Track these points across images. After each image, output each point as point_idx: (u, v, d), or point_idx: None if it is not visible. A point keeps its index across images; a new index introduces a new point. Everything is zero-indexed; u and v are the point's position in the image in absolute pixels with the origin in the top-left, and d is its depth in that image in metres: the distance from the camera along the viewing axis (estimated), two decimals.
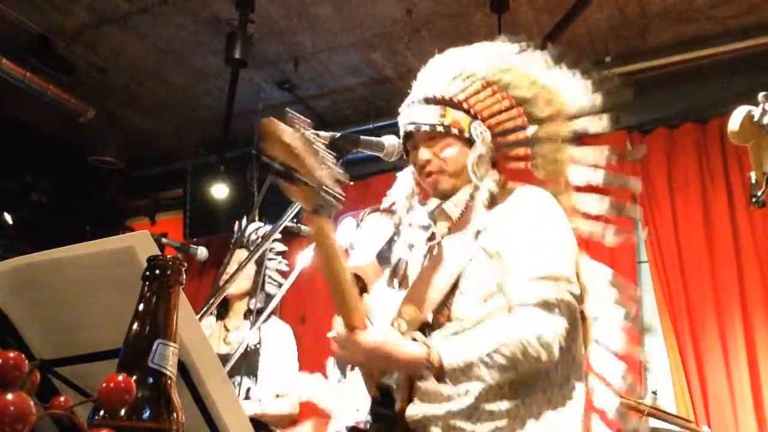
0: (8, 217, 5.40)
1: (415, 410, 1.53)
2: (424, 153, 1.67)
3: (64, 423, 0.79)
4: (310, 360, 3.23)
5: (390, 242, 2.47)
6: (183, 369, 0.80)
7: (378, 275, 2.47)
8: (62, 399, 0.70)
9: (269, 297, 3.13)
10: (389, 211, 2.22)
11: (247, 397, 2.95)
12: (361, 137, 1.64)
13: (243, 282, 3.13)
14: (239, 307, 3.23)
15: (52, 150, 5.39)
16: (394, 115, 1.82)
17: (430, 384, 1.51)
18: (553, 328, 1.42)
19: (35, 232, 5.38)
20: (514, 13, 3.96)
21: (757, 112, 1.31)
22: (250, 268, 3.13)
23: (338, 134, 1.61)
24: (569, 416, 1.49)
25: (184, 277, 0.77)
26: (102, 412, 0.67)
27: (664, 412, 2.96)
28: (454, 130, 1.64)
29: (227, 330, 3.19)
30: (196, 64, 4.70)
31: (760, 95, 1.30)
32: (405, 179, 1.77)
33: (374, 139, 1.67)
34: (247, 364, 2.83)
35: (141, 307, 0.74)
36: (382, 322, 1.46)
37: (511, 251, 1.51)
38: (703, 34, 4.05)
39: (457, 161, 1.64)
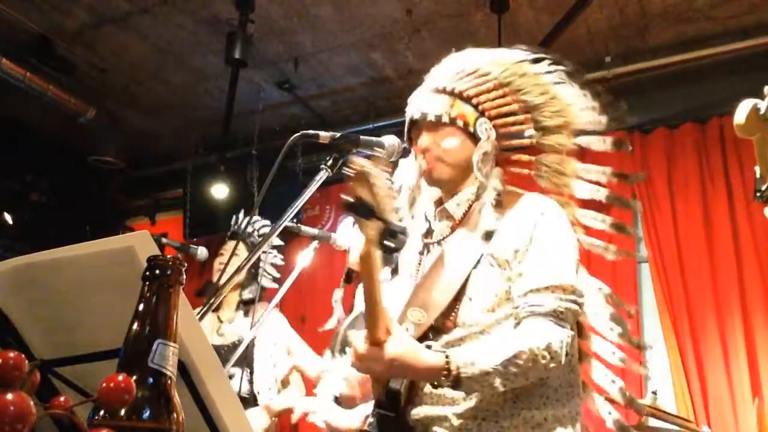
0: (8, 217, 5.40)
1: (418, 411, 1.54)
2: (424, 139, 1.67)
3: (64, 423, 0.79)
4: None
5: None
6: (183, 369, 0.80)
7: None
8: (62, 399, 0.70)
9: (262, 290, 3.15)
10: None
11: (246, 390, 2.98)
12: (361, 137, 1.64)
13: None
14: (232, 299, 3.25)
15: (52, 150, 5.39)
16: (394, 115, 1.83)
17: (432, 388, 1.52)
18: (561, 337, 1.44)
19: (35, 232, 5.38)
20: (514, 13, 3.96)
21: (763, 105, 1.30)
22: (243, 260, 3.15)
23: (338, 134, 1.61)
24: (566, 416, 1.51)
25: (184, 277, 0.77)
26: (102, 412, 0.67)
27: (664, 412, 2.96)
28: (459, 122, 1.65)
29: (220, 322, 3.21)
30: (196, 64, 4.70)
31: (766, 88, 1.30)
32: (408, 168, 1.76)
33: (374, 139, 1.67)
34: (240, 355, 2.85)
35: (141, 307, 0.74)
36: (394, 323, 1.47)
37: (520, 259, 1.52)
38: (703, 34, 4.05)
39: (457, 153, 1.65)
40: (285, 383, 3.15)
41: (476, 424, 1.48)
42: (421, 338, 1.52)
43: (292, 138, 1.58)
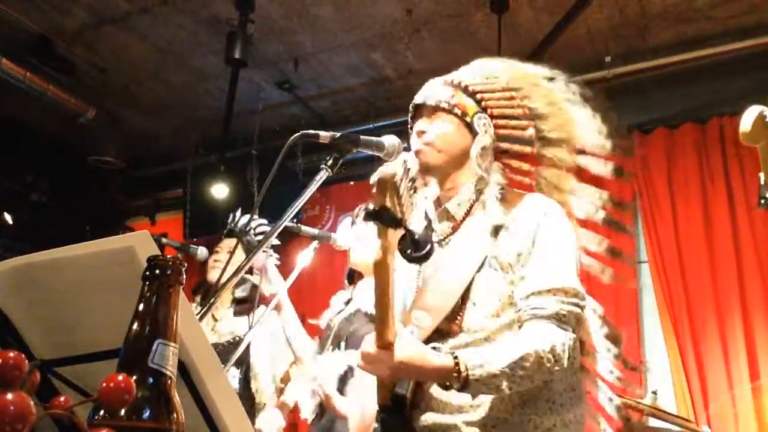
0: (8, 217, 5.40)
1: (426, 418, 1.54)
2: (421, 123, 1.68)
3: (64, 423, 0.79)
4: None
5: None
6: (183, 369, 0.80)
7: None
8: (62, 399, 0.70)
9: (254, 287, 3.14)
10: None
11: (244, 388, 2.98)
12: (361, 137, 1.64)
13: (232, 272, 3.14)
14: (226, 297, 3.24)
15: (52, 150, 5.39)
16: (394, 115, 1.83)
17: (440, 392, 1.52)
18: (564, 340, 1.44)
19: (35, 232, 5.38)
20: (514, 13, 3.96)
21: None
22: (239, 258, 3.14)
23: (338, 134, 1.61)
24: (572, 422, 1.51)
25: (184, 277, 0.77)
26: (102, 412, 0.67)
27: (664, 412, 2.96)
28: (457, 111, 1.65)
29: (215, 320, 3.20)
30: (196, 64, 4.71)
31: None
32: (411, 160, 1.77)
33: (374, 138, 1.67)
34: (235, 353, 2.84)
35: (141, 307, 0.74)
36: (400, 328, 1.47)
37: (523, 262, 1.52)
38: (703, 34, 4.05)
39: (449, 138, 1.65)
40: (285, 380, 3.14)
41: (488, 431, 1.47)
42: (426, 341, 1.52)
43: (292, 138, 1.58)
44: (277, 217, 1.55)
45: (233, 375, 2.98)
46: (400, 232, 1.37)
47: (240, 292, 3.27)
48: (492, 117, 1.66)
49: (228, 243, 3.29)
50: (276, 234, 1.58)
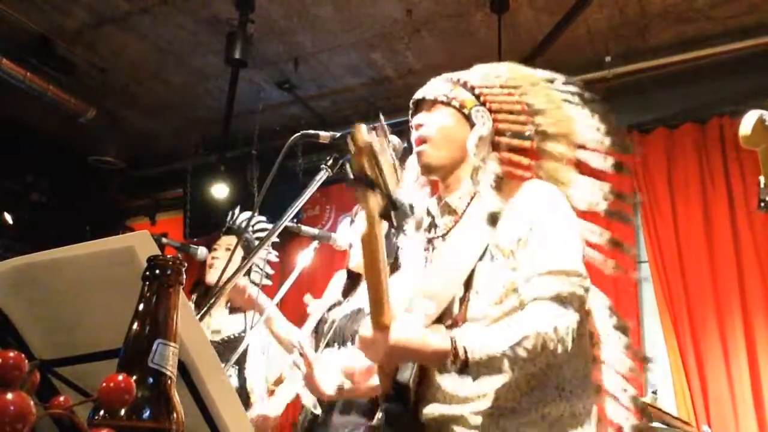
0: (8, 217, 5.40)
1: (432, 410, 1.54)
2: (419, 117, 1.69)
3: (64, 423, 0.79)
4: None
5: (388, 237, 2.46)
6: (183, 369, 0.80)
7: None
8: (62, 399, 0.70)
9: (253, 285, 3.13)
10: None
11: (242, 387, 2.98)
12: None
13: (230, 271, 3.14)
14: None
15: (52, 150, 5.39)
16: (394, 115, 1.83)
17: (446, 383, 1.51)
18: (567, 321, 1.42)
19: (35, 232, 5.38)
20: (514, 13, 3.96)
21: None
22: (238, 257, 3.13)
23: (338, 134, 1.61)
24: (582, 413, 1.50)
25: (184, 277, 0.77)
26: (102, 412, 0.67)
27: (664, 412, 2.95)
28: (455, 103, 1.66)
29: (212, 318, 3.20)
30: (196, 64, 4.71)
31: None
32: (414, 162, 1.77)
33: None
34: (231, 352, 2.84)
35: (141, 307, 0.74)
36: (401, 315, 1.47)
37: (523, 247, 1.51)
38: (703, 34, 4.05)
39: (448, 130, 1.65)
40: (278, 382, 3.13)
41: (494, 422, 1.46)
42: None
43: (292, 138, 1.58)
44: (277, 216, 1.55)
45: (229, 374, 2.98)
46: (383, 199, 1.34)
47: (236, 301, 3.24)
48: (491, 111, 1.67)
49: (226, 240, 3.28)
50: (276, 234, 1.58)
